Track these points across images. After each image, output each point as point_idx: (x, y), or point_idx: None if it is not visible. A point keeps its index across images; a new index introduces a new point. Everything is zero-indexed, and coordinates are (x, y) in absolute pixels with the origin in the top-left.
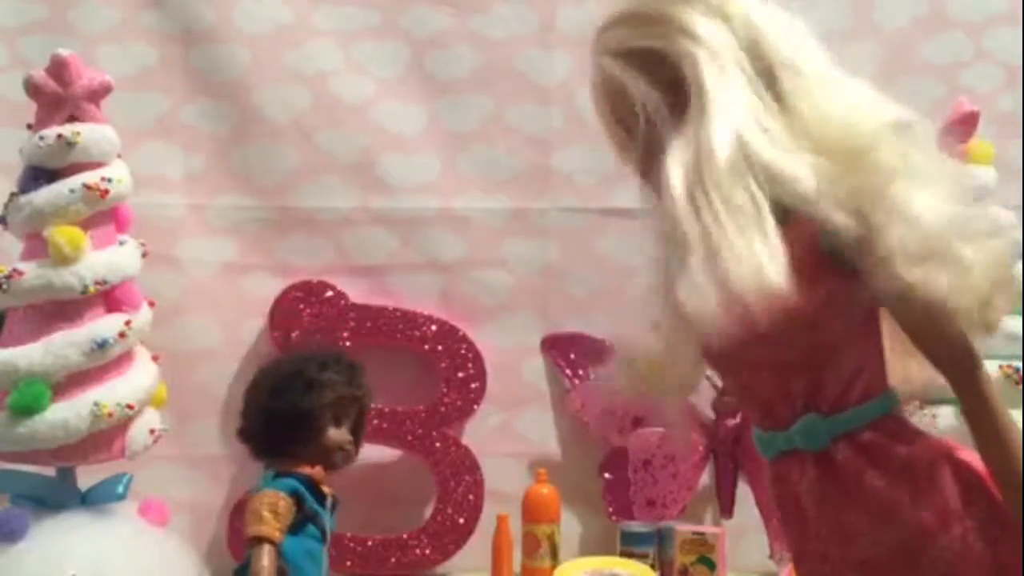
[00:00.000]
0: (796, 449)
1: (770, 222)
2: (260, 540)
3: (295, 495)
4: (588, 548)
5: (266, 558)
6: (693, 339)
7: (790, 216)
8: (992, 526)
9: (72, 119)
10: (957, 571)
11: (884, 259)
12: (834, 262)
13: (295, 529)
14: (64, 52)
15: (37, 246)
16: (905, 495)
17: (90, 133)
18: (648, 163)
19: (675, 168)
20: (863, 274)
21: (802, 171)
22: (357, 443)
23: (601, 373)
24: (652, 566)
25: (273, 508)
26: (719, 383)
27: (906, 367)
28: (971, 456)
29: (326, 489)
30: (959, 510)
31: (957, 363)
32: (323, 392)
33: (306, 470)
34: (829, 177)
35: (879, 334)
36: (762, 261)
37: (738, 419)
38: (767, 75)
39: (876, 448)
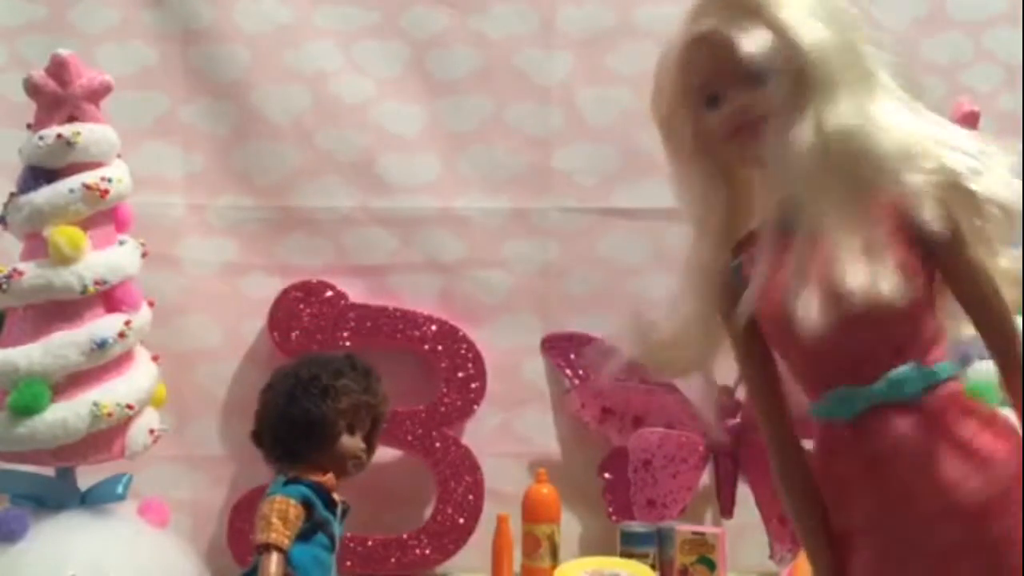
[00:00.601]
0: (884, 404)
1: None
2: (268, 547)
3: (305, 502)
4: (588, 548)
5: (274, 566)
6: (710, 317)
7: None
8: None
9: (72, 119)
10: None
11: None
12: (915, 229)
13: (304, 536)
14: (64, 52)
15: (37, 246)
16: (997, 441)
17: (90, 133)
18: (742, 128)
19: (790, 138)
20: (935, 248)
21: (906, 161)
22: (370, 451)
23: (601, 349)
24: (652, 566)
25: (282, 515)
26: (717, 382)
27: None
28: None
29: (337, 497)
30: None
31: (1004, 334)
32: (339, 399)
33: (318, 477)
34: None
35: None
36: (877, 277)
37: (738, 419)
38: (872, 65)
39: (962, 401)
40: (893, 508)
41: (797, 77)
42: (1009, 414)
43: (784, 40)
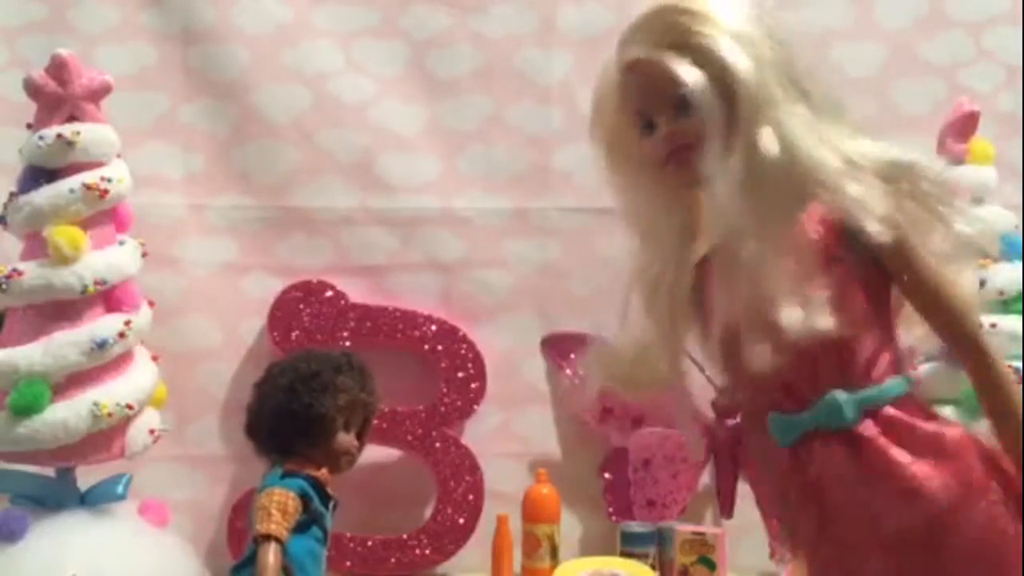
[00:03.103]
0: (819, 430)
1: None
2: (267, 538)
3: (303, 495)
4: (588, 548)
5: (272, 556)
6: (668, 331)
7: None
8: (1015, 501)
9: (72, 119)
10: (984, 545)
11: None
12: (854, 244)
13: (300, 529)
14: (64, 52)
15: (37, 246)
16: (932, 470)
17: (90, 133)
18: (674, 154)
19: (723, 165)
20: (881, 256)
21: (842, 176)
22: (360, 448)
23: (582, 364)
24: (652, 566)
25: (282, 507)
26: (718, 382)
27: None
28: (987, 436)
29: (330, 491)
30: (984, 485)
31: (964, 333)
32: (338, 395)
33: (314, 471)
34: (864, 184)
35: (893, 318)
36: (809, 312)
37: (738, 419)
38: (799, 87)
39: (901, 425)
40: (827, 535)
41: (726, 104)
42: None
43: (713, 67)
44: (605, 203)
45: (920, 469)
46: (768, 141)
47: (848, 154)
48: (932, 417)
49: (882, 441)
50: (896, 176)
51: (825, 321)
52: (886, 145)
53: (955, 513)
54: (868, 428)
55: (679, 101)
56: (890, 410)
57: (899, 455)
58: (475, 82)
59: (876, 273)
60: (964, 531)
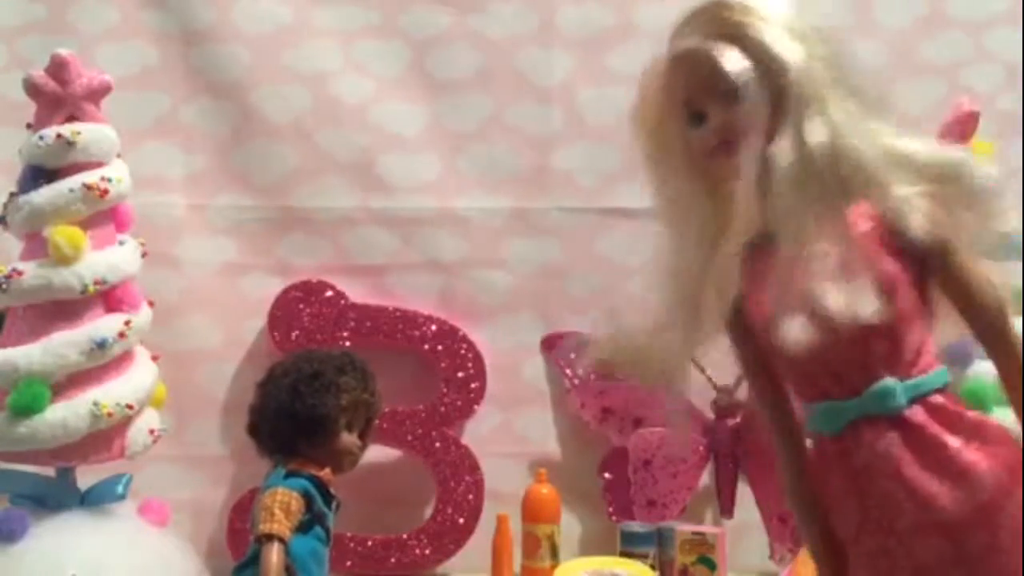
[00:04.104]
0: (868, 416)
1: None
2: (271, 538)
3: (306, 495)
4: (588, 548)
5: (275, 556)
6: (688, 325)
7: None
8: None
9: (72, 119)
10: None
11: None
12: (899, 239)
13: (303, 529)
14: (64, 52)
15: (37, 246)
16: (981, 455)
17: (90, 133)
18: (723, 145)
19: (769, 156)
20: (924, 254)
21: (888, 173)
22: (363, 448)
23: (575, 343)
24: (652, 566)
25: (285, 507)
26: (717, 382)
27: None
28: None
29: (333, 491)
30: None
31: (1002, 335)
32: (340, 396)
33: (317, 471)
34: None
35: (932, 313)
36: (855, 297)
37: (738, 419)
38: (848, 83)
39: (949, 411)
40: (876, 522)
41: (776, 95)
42: (1007, 417)
43: (763, 59)
44: (605, 203)
45: (971, 454)
46: (817, 134)
47: (895, 152)
48: (968, 407)
49: (934, 426)
50: (942, 175)
51: (871, 307)
52: (933, 144)
53: (1005, 497)
54: (918, 414)
55: (730, 92)
56: (938, 398)
57: (951, 440)
58: (475, 82)
59: (920, 268)
60: (1014, 515)
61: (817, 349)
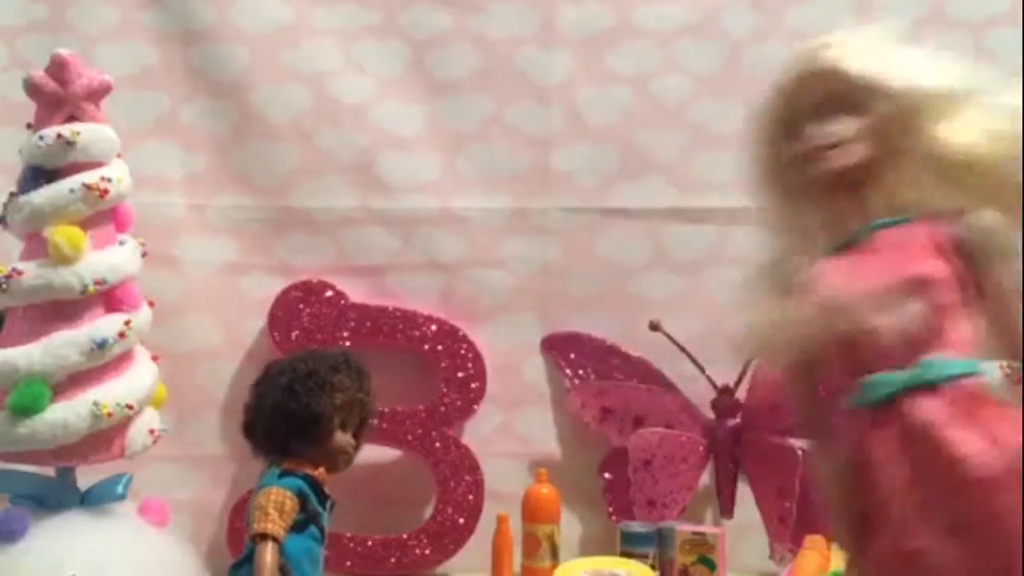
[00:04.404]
0: (910, 389)
1: None
2: (265, 537)
3: (300, 494)
4: (588, 548)
5: (269, 555)
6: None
7: None
8: None
9: (72, 119)
10: None
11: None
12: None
13: (298, 528)
14: (64, 52)
15: (37, 246)
16: (1014, 431)
17: (90, 133)
18: (820, 160)
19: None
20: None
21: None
22: (357, 448)
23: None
24: (652, 566)
25: (279, 506)
26: (717, 382)
27: None
28: None
29: (327, 491)
30: None
31: None
32: (335, 395)
33: (311, 470)
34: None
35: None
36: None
37: (738, 419)
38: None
39: (984, 397)
40: (914, 487)
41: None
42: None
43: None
44: (605, 203)
45: (1004, 428)
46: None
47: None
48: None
49: (969, 404)
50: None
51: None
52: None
53: None
54: (956, 391)
55: (832, 109)
56: (974, 380)
57: (984, 414)
58: (475, 82)
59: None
60: None
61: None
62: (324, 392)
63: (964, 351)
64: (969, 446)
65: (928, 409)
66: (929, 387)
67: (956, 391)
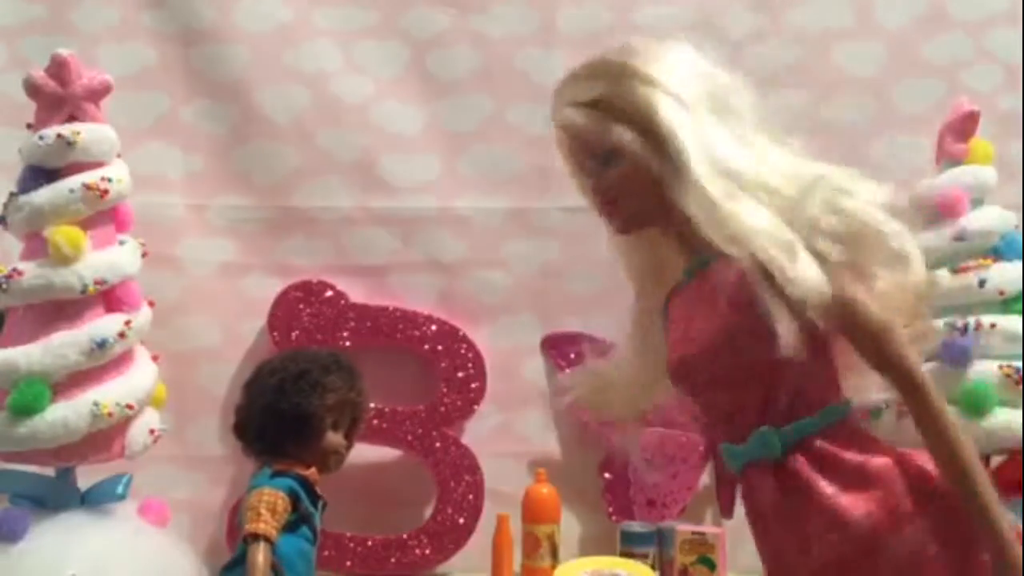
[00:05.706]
0: (759, 460)
1: None
2: (257, 537)
3: (292, 495)
4: (588, 548)
5: (261, 555)
6: (640, 365)
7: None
8: (945, 527)
9: (72, 119)
10: (910, 570)
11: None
12: (762, 288)
13: (290, 528)
14: (64, 52)
15: (37, 246)
16: (857, 499)
17: (90, 133)
18: (603, 205)
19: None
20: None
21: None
22: (348, 448)
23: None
24: (652, 566)
25: (271, 507)
26: None
27: (860, 379)
28: (924, 460)
29: (319, 491)
30: (910, 511)
31: (901, 374)
32: (326, 395)
33: (303, 471)
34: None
35: (827, 350)
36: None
37: None
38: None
39: (827, 456)
40: (768, 557)
41: (655, 151)
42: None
43: (637, 121)
44: None
45: (846, 499)
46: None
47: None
48: (866, 443)
49: (808, 472)
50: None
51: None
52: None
53: (880, 539)
54: (796, 460)
55: (601, 155)
56: (818, 443)
57: (825, 486)
58: (475, 82)
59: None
60: (891, 557)
61: (706, 399)
62: (315, 392)
63: (801, 411)
64: (811, 530)
65: (769, 486)
66: (768, 462)
67: (792, 463)
